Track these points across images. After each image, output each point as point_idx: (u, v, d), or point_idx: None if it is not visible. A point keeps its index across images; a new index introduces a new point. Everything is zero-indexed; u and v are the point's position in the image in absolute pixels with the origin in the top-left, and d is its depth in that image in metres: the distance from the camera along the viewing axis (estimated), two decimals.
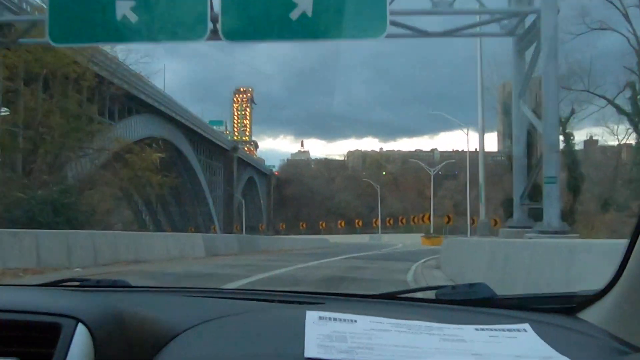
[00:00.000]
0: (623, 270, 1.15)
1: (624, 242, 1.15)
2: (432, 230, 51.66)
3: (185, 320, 1.10)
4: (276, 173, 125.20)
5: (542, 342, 1.02)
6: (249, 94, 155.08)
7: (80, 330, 0.88)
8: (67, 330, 0.88)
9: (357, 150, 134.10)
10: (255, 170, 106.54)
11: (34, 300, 1.02)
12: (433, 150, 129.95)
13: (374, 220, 70.70)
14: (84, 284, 1.54)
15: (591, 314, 1.24)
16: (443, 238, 38.89)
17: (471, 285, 1.39)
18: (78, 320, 0.89)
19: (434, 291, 1.43)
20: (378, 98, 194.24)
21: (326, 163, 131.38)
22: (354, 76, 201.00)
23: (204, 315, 1.15)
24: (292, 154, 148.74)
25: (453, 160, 74.24)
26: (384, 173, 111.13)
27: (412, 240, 51.25)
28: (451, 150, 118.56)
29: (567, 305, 1.31)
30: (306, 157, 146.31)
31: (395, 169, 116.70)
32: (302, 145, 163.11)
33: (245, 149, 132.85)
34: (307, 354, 0.91)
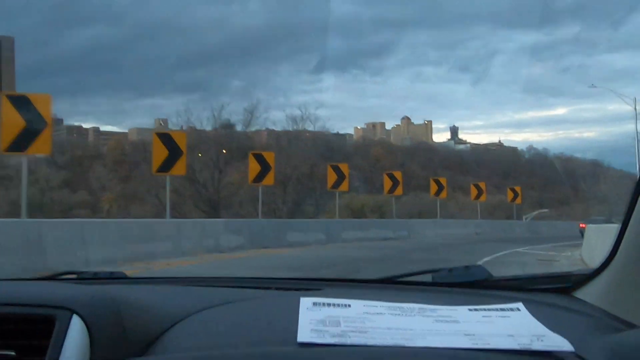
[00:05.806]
0: (617, 250, 1.18)
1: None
2: None
3: (181, 310, 1.10)
4: None
5: (535, 320, 1.02)
6: None
7: (75, 321, 0.88)
8: (62, 322, 0.88)
9: None
10: None
11: (29, 293, 1.01)
12: None
13: None
14: (81, 276, 1.55)
15: (586, 293, 1.27)
16: None
17: (467, 267, 1.42)
18: (73, 312, 0.89)
19: (431, 274, 1.45)
20: None
21: None
22: None
23: (200, 304, 1.15)
24: None
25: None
26: None
27: None
28: None
29: (563, 285, 1.33)
30: None
31: None
32: None
33: None
34: (300, 339, 0.91)
